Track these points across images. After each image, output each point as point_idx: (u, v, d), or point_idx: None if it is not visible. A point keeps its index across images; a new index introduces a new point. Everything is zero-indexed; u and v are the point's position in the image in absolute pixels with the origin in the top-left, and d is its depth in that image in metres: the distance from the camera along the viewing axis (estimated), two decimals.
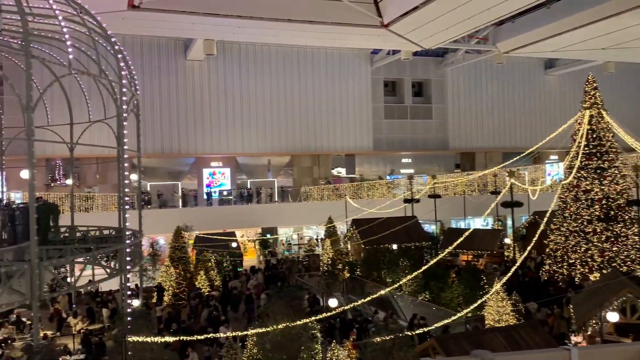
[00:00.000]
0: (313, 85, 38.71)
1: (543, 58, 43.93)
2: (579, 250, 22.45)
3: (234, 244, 28.23)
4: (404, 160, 45.81)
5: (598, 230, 22.18)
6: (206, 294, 22.69)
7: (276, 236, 34.66)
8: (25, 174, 17.16)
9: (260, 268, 27.70)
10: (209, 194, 34.84)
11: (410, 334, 12.34)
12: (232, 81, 36.82)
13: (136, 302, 17.06)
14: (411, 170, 43.33)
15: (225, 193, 35.58)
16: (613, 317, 14.53)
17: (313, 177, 39.10)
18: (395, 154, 43.94)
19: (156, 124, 34.97)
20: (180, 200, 34.43)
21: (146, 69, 34.64)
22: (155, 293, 22.87)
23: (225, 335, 12.32)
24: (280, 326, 11.21)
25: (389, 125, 42.10)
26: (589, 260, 22.14)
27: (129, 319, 11.95)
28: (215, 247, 25.82)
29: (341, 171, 44.61)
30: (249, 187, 36.96)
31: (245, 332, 12.47)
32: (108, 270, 13.96)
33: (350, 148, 40.31)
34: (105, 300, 21.56)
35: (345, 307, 16.30)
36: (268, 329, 11.44)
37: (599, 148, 22.77)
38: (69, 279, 17.68)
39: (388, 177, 41.53)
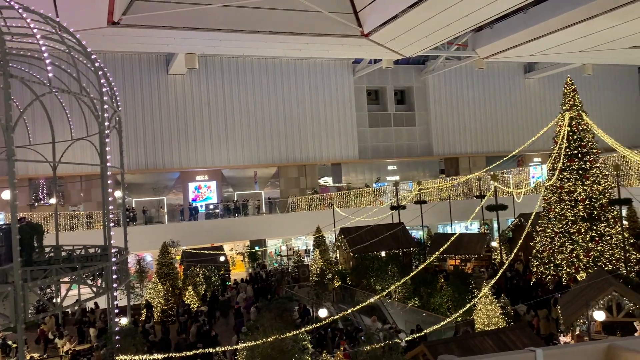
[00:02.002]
0: (297, 95, 38.85)
1: (522, 62, 44.53)
2: (564, 251, 22.69)
3: (222, 258, 28.08)
4: (389, 168, 46.02)
5: (582, 230, 22.45)
6: (195, 309, 22.52)
7: (265, 248, 34.55)
8: (6, 194, 16.95)
9: (248, 280, 27.56)
10: (195, 208, 34.65)
11: (399, 340, 12.35)
12: (216, 94, 36.82)
13: (124, 321, 16.88)
14: (397, 177, 43.51)
15: (211, 207, 35.42)
16: (600, 315, 14.71)
17: (300, 188, 39.12)
18: (381, 161, 44.15)
19: (140, 139, 34.80)
20: (166, 215, 34.22)
21: (128, 85, 34.52)
22: (144, 310, 22.65)
23: (215, 350, 12.24)
24: (270, 339, 11.17)
25: (373, 134, 42.34)
26: (575, 260, 22.38)
27: (116, 337, 11.82)
28: (203, 261, 25.66)
29: (328, 180, 44.67)
30: (235, 199, 36.85)
31: (235, 347, 12.40)
32: (94, 289, 13.80)
33: (336, 157, 40.44)
34: (91, 321, 21.29)
35: (335, 317, 16.27)
36: (258, 342, 11.40)
37: (580, 149, 23.11)
38: (55, 300, 17.44)
39: (374, 185, 41.67)
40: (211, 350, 11.81)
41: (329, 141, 39.73)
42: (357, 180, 44.55)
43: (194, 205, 35.35)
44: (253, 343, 11.32)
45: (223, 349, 13.35)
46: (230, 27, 26.36)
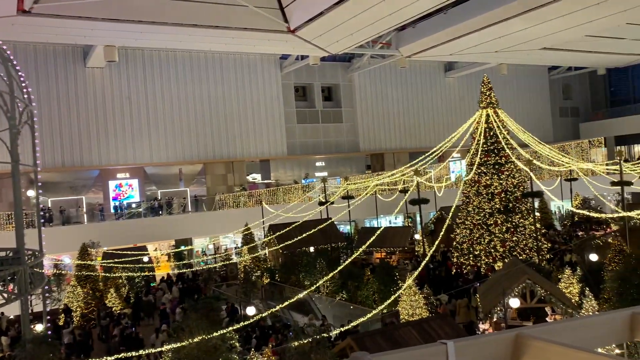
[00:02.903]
0: (223, 91, 38.21)
1: (443, 61, 46.21)
2: (482, 242, 23.84)
3: (146, 259, 27.21)
4: (317, 164, 46.39)
5: (499, 222, 23.67)
6: (118, 312, 21.70)
7: (191, 247, 33.81)
8: None
9: (174, 280, 26.89)
10: (116, 208, 33.31)
11: (327, 335, 12.49)
12: (137, 89, 35.49)
13: (39, 327, 16.00)
14: (325, 173, 43.97)
15: (134, 205, 34.19)
16: (515, 303, 15.56)
17: (227, 185, 38.56)
18: (309, 157, 44.39)
19: (55, 136, 32.95)
20: (85, 215, 32.68)
21: (42, 78, 32.55)
22: (62, 315, 21.55)
23: (138, 354, 11.85)
24: (196, 339, 10.95)
25: (301, 130, 42.47)
26: (492, 250, 23.57)
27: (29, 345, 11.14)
28: (125, 262, 24.74)
29: (256, 177, 44.37)
30: (159, 198, 35.78)
31: (159, 349, 12.05)
32: (5, 295, 12.96)
33: (265, 153, 40.20)
34: (2, 329, 19.99)
35: (263, 314, 16.21)
36: (184, 344, 11.14)
37: (495, 145, 24.33)
38: None
39: (303, 181, 41.86)
40: (133, 353, 11.42)
41: (257, 137, 39.43)
42: (286, 176, 44.57)
43: (114, 204, 33.98)
44: (178, 344, 11.04)
45: (147, 351, 12.95)
46: (152, 19, 25.50)
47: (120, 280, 24.28)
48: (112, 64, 33.13)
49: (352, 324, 15.44)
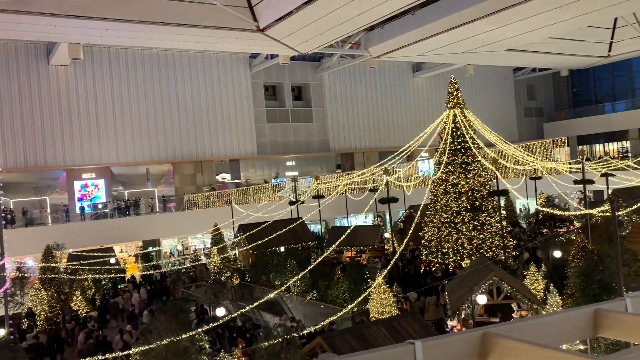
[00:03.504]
0: (191, 89, 37.76)
1: (411, 62, 46.70)
2: (450, 240, 24.19)
3: (113, 260, 26.71)
4: (288, 163, 46.31)
5: (466, 220, 24.06)
6: (84, 315, 21.24)
7: (159, 248, 33.33)
8: None
9: (141, 282, 26.48)
10: (82, 208, 32.58)
11: (297, 334, 12.49)
12: (103, 87, 34.75)
13: (1, 332, 15.53)
14: (295, 173, 43.94)
15: (100, 206, 33.50)
16: (482, 299, 15.84)
17: (196, 185, 38.14)
18: (280, 157, 44.28)
19: (17, 135, 31.99)
20: (49, 216, 31.87)
21: (2, 75, 31.57)
22: (25, 319, 20.96)
23: (104, 358, 11.62)
24: (164, 342, 10.81)
25: (271, 129, 42.31)
26: (460, 248, 23.94)
27: None
28: (91, 264, 24.24)
29: (226, 177, 44.01)
30: (126, 198, 35.14)
31: (126, 352, 11.85)
32: None
33: (234, 153, 39.90)
34: None
35: (233, 315, 16.11)
36: (152, 346, 10.98)
37: (462, 144, 24.71)
38: None
39: (273, 181, 41.73)
40: (100, 357, 11.21)
41: (227, 137, 39.10)
42: (256, 176, 44.36)
43: (80, 204, 33.23)
44: (146, 347, 10.88)
45: (114, 355, 12.71)
46: (118, 17, 24.99)
47: (87, 283, 23.77)
48: (77, 61, 32.36)
49: (322, 323, 15.47)
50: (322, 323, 15.38)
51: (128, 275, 27.54)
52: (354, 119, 45.22)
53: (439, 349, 2.92)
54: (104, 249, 27.82)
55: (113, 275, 24.63)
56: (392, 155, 28.55)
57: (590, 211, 21.01)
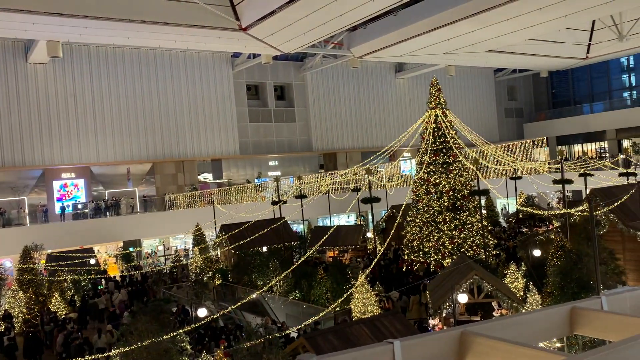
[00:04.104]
0: (173, 88, 37.44)
1: (393, 62, 46.91)
2: (432, 239, 24.36)
3: (93, 261, 26.38)
4: (270, 163, 46.19)
5: (447, 219, 24.25)
6: (62, 316, 20.93)
7: (139, 249, 33.00)
8: None
9: (121, 283, 26.19)
10: (61, 208, 32.11)
11: (278, 335, 12.48)
12: (83, 85, 34.28)
13: None
14: (278, 173, 43.83)
15: (80, 206, 33.04)
16: (463, 298, 15.99)
17: (178, 185, 37.83)
18: (262, 157, 44.14)
19: None
20: (27, 217, 31.35)
21: None
22: (2, 322, 20.58)
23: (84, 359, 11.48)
24: (145, 343, 10.71)
25: (254, 129, 42.16)
26: (441, 247, 24.13)
27: None
28: (70, 265, 23.91)
29: (208, 177, 43.73)
30: (106, 198, 34.71)
31: (107, 354, 11.72)
32: None
33: (216, 153, 39.67)
34: None
35: (215, 315, 16.02)
36: (132, 347, 10.88)
37: (444, 144, 24.91)
38: None
39: (256, 181, 41.58)
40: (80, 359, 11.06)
41: (209, 136, 38.86)
42: (239, 176, 44.15)
43: (59, 205, 32.75)
44: (126, 348, 10.78)
45: (94, 357, 12.55)
46: (98, 14, 24.66)
47: (66, 284, 23.44)
48: (55, 59, 31.90)
49: (305, 323, 15.47)
50: (305, 323, 15.37)
51: (111, 274, 27.25)
52: (336, 118, 45.28)
53: (418, 348, 2.94)
54: (84, 249, 27.46)
55: (93, 276, 24.32)
56: (374, 155, 28.67)
57: (569, 210, 21.33)
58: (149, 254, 33.87)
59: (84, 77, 34.33)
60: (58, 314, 21.18)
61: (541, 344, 3.27)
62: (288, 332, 14.70)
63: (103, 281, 25.98)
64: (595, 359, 2.57)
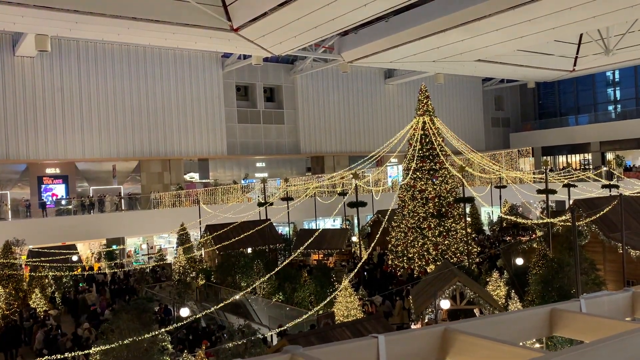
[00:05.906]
0: (162, 87, 37.27)
1: (383, 68, 47.15)
2: (416, 245, 24.51)
3: (75, 258, 26.11)
4: (258, 165, 46.12)
5: (432, 225, 24.43)
6: (42, 313, 20.69)
7: (123, 247, 32.73)
8: None
9: (103, 281, 25.96)
10: (43, 204, 31.74)
11: (262, 335, 12.47)
12: (70, 81, 33.99)
13: None
14: (265, 174, 43.78)
15: (63, 202, 32.70)
16: (445, 304, 16.10)
17: (164, 183, 37.61)
18: (249, 158, 44.07)
19: None
20: (9, 212, 30.96)
21: None
22: None
23: (63, 357, 11.35)
24: (126, 341, 10.64)
25: (242, 130, 42.08)
26: (426, 253, 24.28)
27: None
28: (52, 261, 23.64)
29: (194, 176, 43.54)
30: (91, 195, 34.39)
31: (86, 351, 11.61)
32: None
33: (204, 152, 39.52)
34: None
35: (197, 315, 15.95)
36: (113, 345, 10.79)
37: (431, 151, 25.11)
38: None
39: (243, 181, 41.48)
40: (59, 356, 10.94)
41: (196, 136, 38.72)
42: (225, 176, 44.03)
43: (42, 200, 32.38)
44: (107, 347, 10.69)
45: (73, 354, 12.43)
46: (88, 10, 24.46)
47: (47, 280, 23.17)
48: (44, 53, 31.59)
49: (287, 325, 15.46)
50: (287, 325, 15.36)
51: (96, 270, 27.01)
52: (325, 122, 45.37)
53: (402, 343, 2.98)
54: (66, 246, 27.17)
55: (75, 273, 24.07)
56: (361, 160, 28.78)
57: (552, 220, 21.58)
58: (136, 252, 33.63)
59: (71, 72, 34.04)
60: (38, 311, 20.94)
61: (521, 344, 3.33)
62: (270, 334, 14.69)
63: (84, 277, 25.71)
64: (570, 357, 2.65)
